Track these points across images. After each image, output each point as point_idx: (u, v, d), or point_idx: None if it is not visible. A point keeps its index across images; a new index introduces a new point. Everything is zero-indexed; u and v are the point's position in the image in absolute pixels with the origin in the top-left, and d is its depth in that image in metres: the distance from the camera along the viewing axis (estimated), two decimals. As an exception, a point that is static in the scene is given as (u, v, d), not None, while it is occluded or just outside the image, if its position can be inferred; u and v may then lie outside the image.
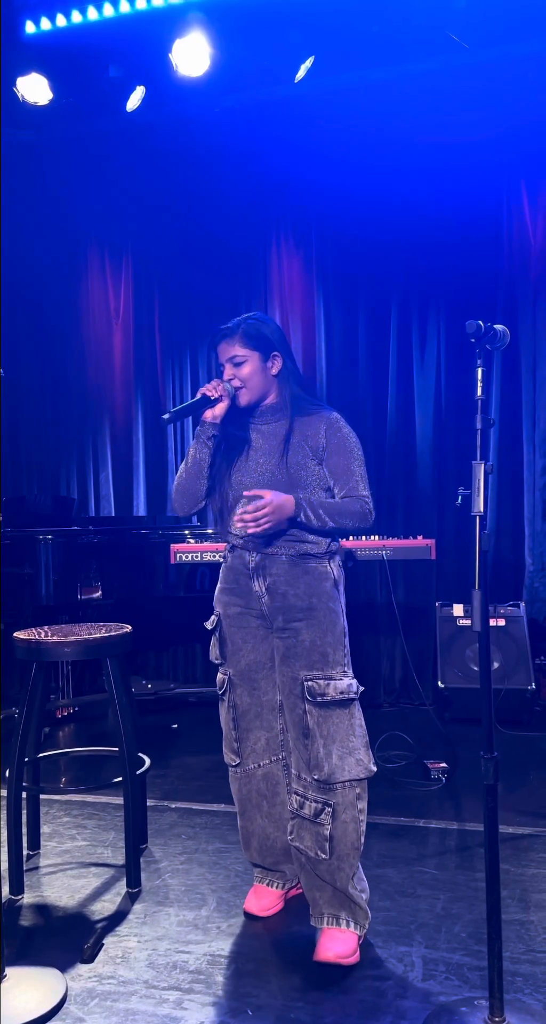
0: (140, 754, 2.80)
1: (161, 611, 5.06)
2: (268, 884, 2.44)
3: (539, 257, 4.86)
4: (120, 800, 2.66)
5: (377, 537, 3.98)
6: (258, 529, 2.14)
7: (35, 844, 2.89)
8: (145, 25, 4.38)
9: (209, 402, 2.30)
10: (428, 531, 4.67)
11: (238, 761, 2.37)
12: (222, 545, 3.92)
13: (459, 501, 1.83)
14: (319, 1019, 1.88)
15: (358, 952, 2.16)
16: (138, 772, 2.69)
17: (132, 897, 2.53)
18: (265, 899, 2.41)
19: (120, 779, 2.62)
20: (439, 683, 4.39)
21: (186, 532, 4.46)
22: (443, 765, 3.54)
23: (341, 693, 2.20)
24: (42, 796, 3.18)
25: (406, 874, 2.62)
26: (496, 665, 4.32)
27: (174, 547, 4.11)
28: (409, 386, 5.09)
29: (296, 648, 2.23)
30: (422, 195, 4.94)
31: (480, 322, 1.83)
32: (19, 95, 4.71)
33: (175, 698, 4.96)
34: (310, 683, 2.20)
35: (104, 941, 2.27)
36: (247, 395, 2.33)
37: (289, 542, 2.26)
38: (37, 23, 4.49)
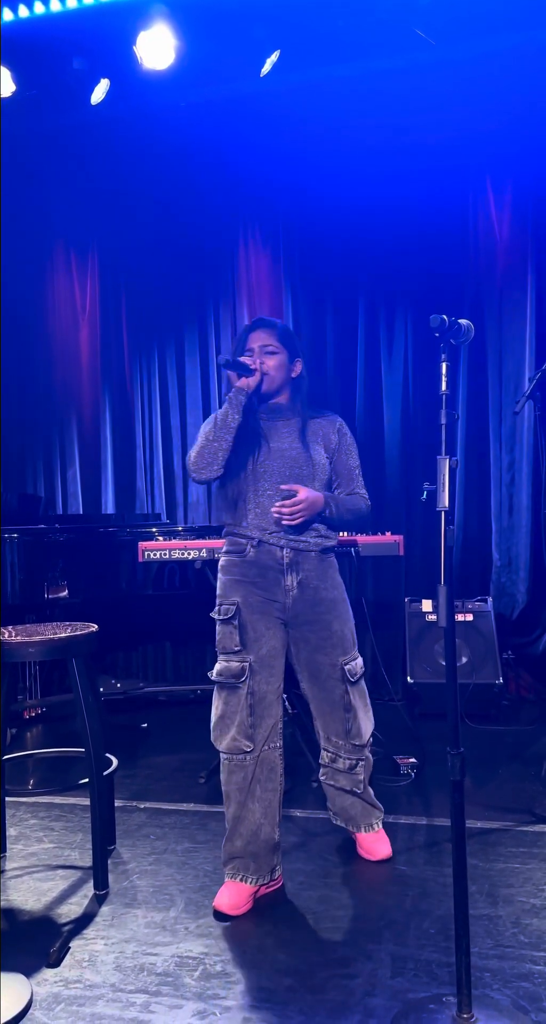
0: (107, 755, 2.77)
1: (130, 610, 5.02)
2: (241, 879, 2.42)
3: (505, 255, 4.89)
4: (88, 801, 2.62)
5: (345, 533, 3.97)
6: (293, 522, 2.41)
7: (1, 847, 2.85)
8: (109, 17, 4.33)
9: (248, 371, 2.45)
10: (396, 527, 4.68)
11: (252, 747, 2.42)
12: (192, 542, 3.90)
13: (424, 496, 1.83)
14: (287, 1020, 1.87)
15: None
16: (105, 773, 2.66)
17: (99, 899, 2.50)
18: (236, 896, 2.39)
19: (87, 780, 2.59)
20: (408, 678, 4.40)
21: (154, 530, 4.42)
22: (412, 760, 3.55)
23: (361, 668, 2.63)
24: (8, 798, 3.14)
25: (375, 870, 2.62)
26: (464, 660, 4.34)
27: (142, 545, 4.07)
28: (377, 384, 5.10)
29: (331, 638, 2.53)
30: (389, 192, 4.94)
31: (444, 316, 1.82)
32: (-19, 87, 4.63)
33: (144, 697, 4.93)
34: (348, 666, 2.56)
35: (71, 944, 2.23)
36: (268, 383, 2.51)
37: (316, 538, 2.51)
38: (-1, 14, 4.42)
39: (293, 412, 2.57)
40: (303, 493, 2.40)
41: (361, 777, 2.64)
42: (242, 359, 2.47)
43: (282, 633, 2.51)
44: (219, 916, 2.36)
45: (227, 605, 2.48)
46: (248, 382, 2.45)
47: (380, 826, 2.75)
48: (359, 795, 2.67)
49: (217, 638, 2.50)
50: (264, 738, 2.44)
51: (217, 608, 2.51)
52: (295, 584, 2.48)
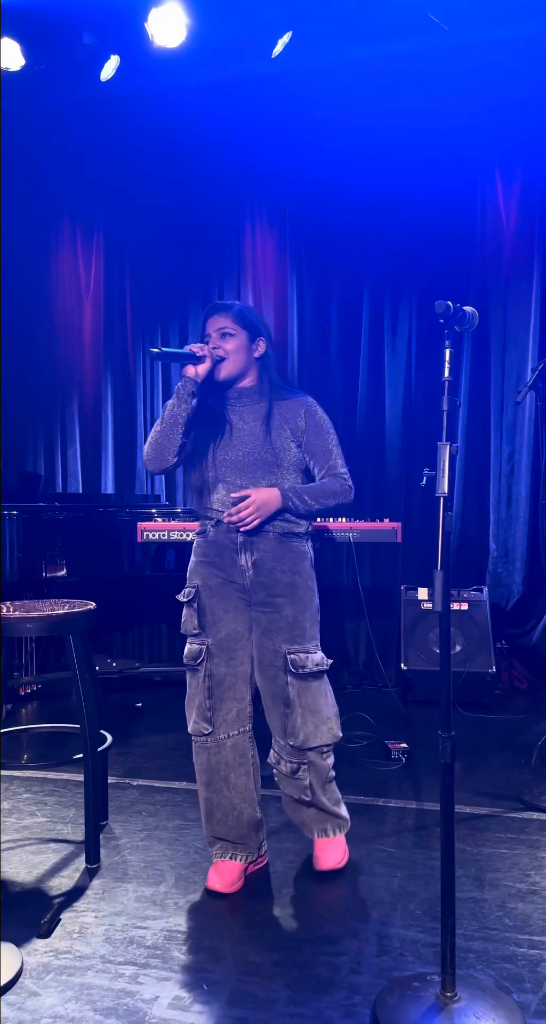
0: (102, 731, 2.79)
1: (127, 589, 5.04)
2: (230, 857, 2.43)
3: (512, 245, 4.88)
4: (81, 777, 2.65)
5: (344, 519, 3.98)
6: (248, 526, 2.33)
7: (-6, 820, 2.88)
8: (120, -8, 4.31)
9: (194, 359, 2.36)
10: (395, 514, 4.69)
11: (210, 730, 2.40)
12: (191, 524, 3.92)
13: (424, 482, 1.83)
14: (273, 994, 1.89)
15: (347, 852, 2.53)
16: (99, 749, 2.68)
17: (91, 873, 2.53)
18: (228, 875, 2.40)
19: (81, 756, 2.61)
20: (402, 665, 4.43)
21: (154, 511, 4.43)
22: (403, 745, 3.58)
23: (317, 665, 2.40)
24: (2, 772, 3.17)
25: (364, 852, 2.65)
26: (458, 648, 4.37)
27: (141, 525, 4.09)
28: (380, 371, 5.10)
29: (279, 622, 2.38)
30: (397, 179, 4.92)
31: (449, 302, 1.82)
32: (-10, 60, 4.60)
33: (140, 677, 4.95)
34: (292, 656, 2.37)
35: (61, 916, 2.26)
36: (228, 368, 2.42)
37: (276, 521, 2.39)
38: (10, -14, 4.39)
39: (262, 395, 2.46)
40: (253, 495, 2.31)
41: (306, 783, 2.43)
42: (188, 346, 2.38)
43: (246, 616, 2.43)
44: (213, 894, 2.38)
45: (188, 588, 2.46)
46: (196, 370, 2.36)
47: (338, 834, 2.53)
48: (308, 803, 2.47)
49: (181, 620, 2.48)
50: (227, 722, 2.40)
51: (183, 591, 2.49)
52: (250, 564, 2.39)
